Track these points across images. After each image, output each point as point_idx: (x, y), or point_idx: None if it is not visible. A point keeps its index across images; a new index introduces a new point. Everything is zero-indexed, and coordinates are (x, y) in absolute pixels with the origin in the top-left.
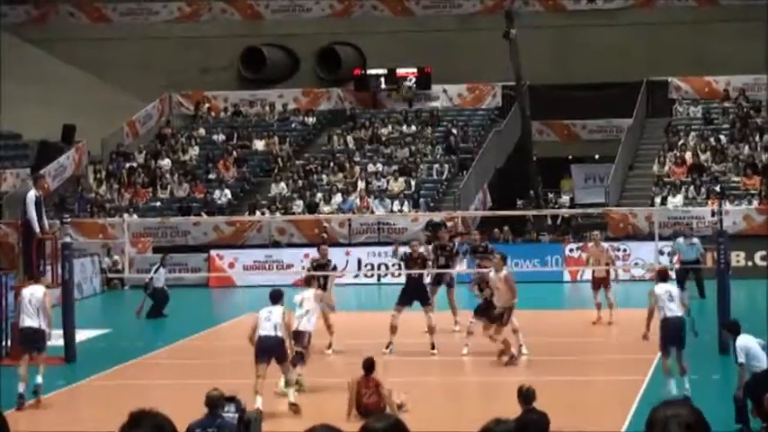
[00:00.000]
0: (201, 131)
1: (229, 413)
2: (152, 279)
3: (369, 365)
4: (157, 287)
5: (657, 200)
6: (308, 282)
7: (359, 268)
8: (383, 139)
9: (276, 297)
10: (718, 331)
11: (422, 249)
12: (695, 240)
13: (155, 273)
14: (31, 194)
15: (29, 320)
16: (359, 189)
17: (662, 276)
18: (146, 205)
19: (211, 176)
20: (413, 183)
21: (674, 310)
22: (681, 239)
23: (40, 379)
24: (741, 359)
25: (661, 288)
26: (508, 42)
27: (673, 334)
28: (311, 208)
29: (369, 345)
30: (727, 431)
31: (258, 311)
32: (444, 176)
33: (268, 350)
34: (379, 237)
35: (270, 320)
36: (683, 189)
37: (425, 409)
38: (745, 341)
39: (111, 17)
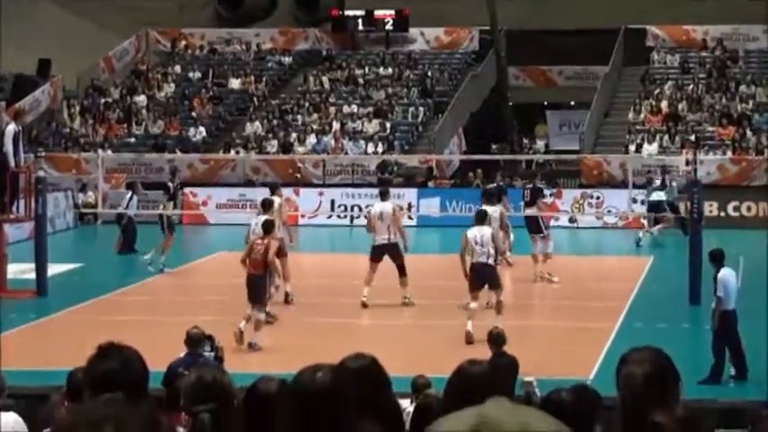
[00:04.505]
0: (177, 69)
1: (205, 351)
2: (126, 209)
3: (268, 226)
4: (131, 216)
5: (632, 147)
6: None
7: (332, 209)
8: (359, 80)
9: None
10: (689, 281)
11: None
12: (674, 183)
13: (129, 202)
14: (11, 128)
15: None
16: (333, 130)
17: (477, 219)
18: (120, 141)
19: (187, 114)
20: (388, 125)
21: (479, 254)
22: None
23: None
24: (720, 292)
25: (471, 232)
26: None
27: (479, 277)
28: (285, 148)
29: (341, 286)
30: (696, 379)
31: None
32: (419, 119)
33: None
34: (353, 178)
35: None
36: (658, 137)
37: (395, 351)
38: (727, 276)
39: None
